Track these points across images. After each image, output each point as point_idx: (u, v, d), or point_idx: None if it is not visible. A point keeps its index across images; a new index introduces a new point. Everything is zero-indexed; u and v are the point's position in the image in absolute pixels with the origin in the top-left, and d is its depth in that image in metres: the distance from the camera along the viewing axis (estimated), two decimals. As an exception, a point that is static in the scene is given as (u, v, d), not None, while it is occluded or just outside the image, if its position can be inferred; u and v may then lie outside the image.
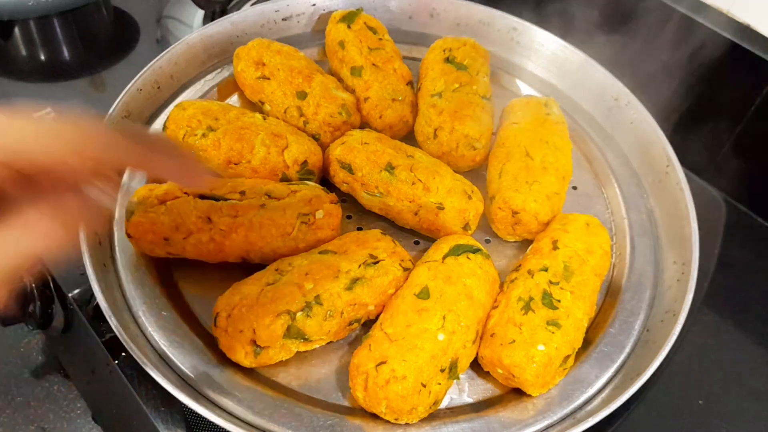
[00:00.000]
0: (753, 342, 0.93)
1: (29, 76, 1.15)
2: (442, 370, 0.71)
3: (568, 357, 0.75)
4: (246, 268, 0.81)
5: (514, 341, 0.73)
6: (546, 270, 0.79)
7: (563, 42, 1.11)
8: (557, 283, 0.78)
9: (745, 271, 1.01)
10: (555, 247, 0.82)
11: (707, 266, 0.92)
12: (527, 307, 0.75)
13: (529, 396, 0.76)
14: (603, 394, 0.77)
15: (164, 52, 0.99)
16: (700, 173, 1.11)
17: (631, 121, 1.04)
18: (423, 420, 0.72)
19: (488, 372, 0.78)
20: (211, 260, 0.80)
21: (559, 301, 0.76)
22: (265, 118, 0.91)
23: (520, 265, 0.83)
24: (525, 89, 1.13)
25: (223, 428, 0.68)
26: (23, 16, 1.17)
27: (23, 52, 1.20)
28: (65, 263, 0.86)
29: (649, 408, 0.82)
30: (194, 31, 1.05)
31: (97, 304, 0.73)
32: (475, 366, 0.78)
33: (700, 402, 0.84)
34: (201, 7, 1.26)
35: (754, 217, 1.09)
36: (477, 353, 0.77)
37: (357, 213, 0.92)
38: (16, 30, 1.18)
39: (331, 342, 0.77)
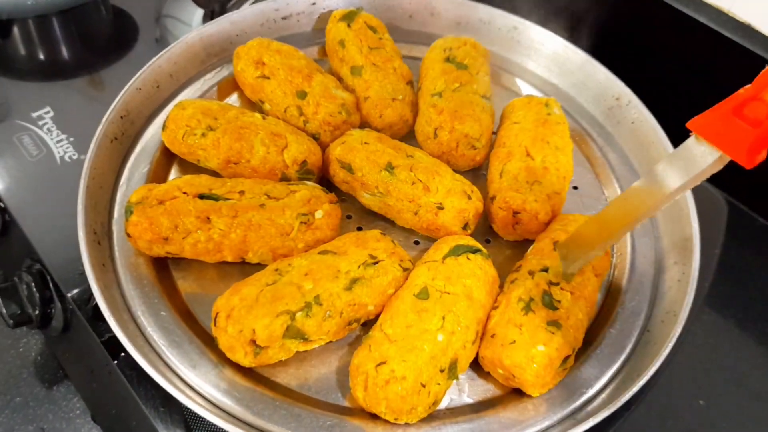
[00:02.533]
0: (754, 342, 0.93)
1: (28, 75, 1.15)
2: (442, 371, 0.71)
3: (568, 357, 0.75)
4: (245, 267, 0.80)
5: (514, 342, 0.73)
6: (546, 270, 0.79)
7: (564, 41, 1.11)
8: (557, 284, 0.78)
9: (746, 272, 1.01)
10: (555, 248, 0.82)
11: (708, 266, 0.92)
12: (527, 308, 0.75)
13: (530, 396, 0.75)
14: (603, 395, 0.77)
15: (163, 51, 0.99)
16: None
17: (632, 120, 1.04)
18: (423, 420, 0.72)
19: (488, 372, 0.77)
20: (210, 260, 0.80)
21: (559, 301, 0.76)
22: (264, 118, 0.91)
23: (520, 266, 0.83)
24: (525, 89, 1.13)
25: (222, 428, 0.68)
26: (22, 15, 1.16)
27: (22, 51, 1.19)
28: (64, 263, 0.86)
29: (649, 408, 0.82)
30: (193, 30, 1.04)
31: (96, 304, 0.73)
32: (475, 366, 0.78)
33: (701, 402, 0.84)
34: (200, 6, 1.26)
35: (755, 217, 1.09)
36: (477, 354, 0.76)
37: (357, 213, 0.92)
38: (15, 29, 1.18)
39: (330, 342, 0.76)
